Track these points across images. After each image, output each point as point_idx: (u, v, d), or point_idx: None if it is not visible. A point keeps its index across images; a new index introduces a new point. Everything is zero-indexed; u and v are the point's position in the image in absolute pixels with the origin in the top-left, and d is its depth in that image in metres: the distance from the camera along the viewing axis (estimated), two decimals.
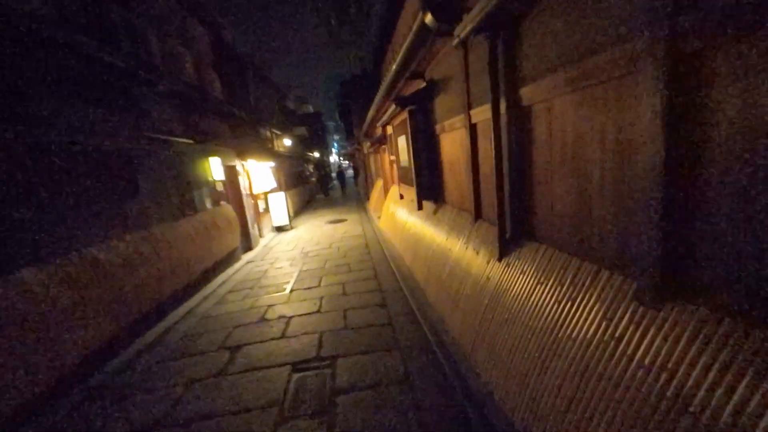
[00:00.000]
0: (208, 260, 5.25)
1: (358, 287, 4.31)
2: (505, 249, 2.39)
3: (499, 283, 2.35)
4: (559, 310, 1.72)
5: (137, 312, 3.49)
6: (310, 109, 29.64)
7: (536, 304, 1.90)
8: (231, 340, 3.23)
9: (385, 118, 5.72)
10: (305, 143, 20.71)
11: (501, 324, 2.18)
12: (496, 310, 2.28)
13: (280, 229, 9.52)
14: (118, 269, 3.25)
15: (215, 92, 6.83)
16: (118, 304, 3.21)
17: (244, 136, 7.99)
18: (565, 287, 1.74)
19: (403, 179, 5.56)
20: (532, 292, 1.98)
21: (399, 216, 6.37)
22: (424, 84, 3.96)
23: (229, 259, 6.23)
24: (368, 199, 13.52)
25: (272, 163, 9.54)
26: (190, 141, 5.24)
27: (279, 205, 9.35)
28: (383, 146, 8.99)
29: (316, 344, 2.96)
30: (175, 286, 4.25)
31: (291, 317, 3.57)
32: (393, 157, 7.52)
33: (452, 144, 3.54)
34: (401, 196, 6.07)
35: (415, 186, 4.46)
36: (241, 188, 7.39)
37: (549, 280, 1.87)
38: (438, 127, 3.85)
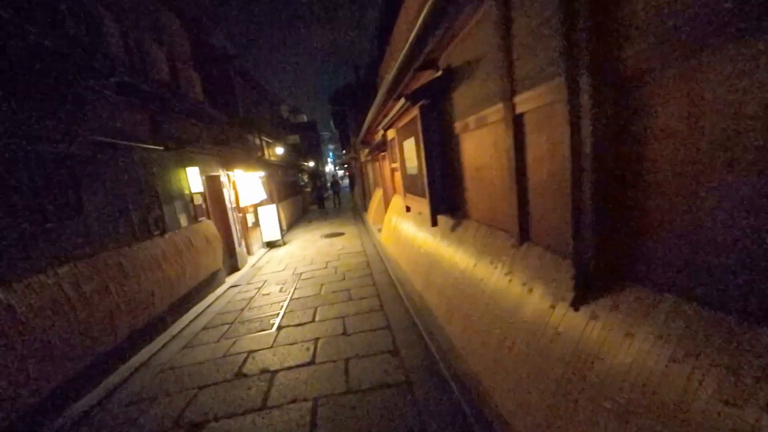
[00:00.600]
0: (180, 288, 4.41)
1: (361, 323, 3.50)
2: (585, 292, 1.61)
3: (580, 345, 1.57)
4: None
5: (66, 372, 2.64)
6: (305, 119, 29.09)
7: (665, 394, 1.12)
8: (192, 411, 2.39)
9: (387, 119, 5.00)
10: (299, 152, 20.00)
11: (594, 412, 1.39)
12: (580, 388, 1.50)
13: (271, 245, 8.68)
14: (38, 317, 2.41)
15: (195, 95, 6.08)
16: (36, 364, 2.36)
17: (229, 144, 7.22)
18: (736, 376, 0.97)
19: (411, 189, 4.81)
20: (653, 373, 1.20)
21: (405, 231, 5.59)
22: (439, 73, 3.24)
23: (210, 283, 5.38)
24: (366, 209, 12.76)
25: (262, 173, 8.76)
26: (160, 147, 4.46)
27: (270, 219, 8.54)
28: (383, 153, 8.28)
29: (308, 421, 2.13)
30: (132, 325, 3.40)
31: (276, 372, 2.74)
32: (395, 165, 6.79)
33: (479, 144, 2.80)
34: (407, 209, 5.31)
35: (427, 197, 3.70)
36: (226, 201, 6.59)
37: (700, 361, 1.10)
38: (458, 126, 3.12)
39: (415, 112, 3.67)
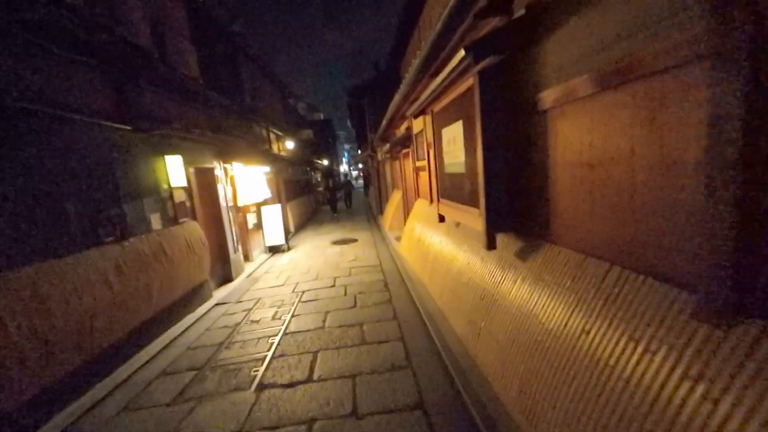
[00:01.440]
0: (142, 310, 3.37)
1: (379, 390, 2.35)
2: None
3: None
4: None
5: None
6: (321, 117, 28.29)
7: None
8: None
9: (420, 102, 3.84)
10: (313, 148, 19.08)
11: None
12: None
13: (274, 251, 7.64)
14: None
15: (188, 70, 5.09)
16: None
17: (230, 133, 6.23)
18: None
19: (450, 193, 3.64)
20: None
21: (435, 246, 4.42)
22: (522, 12, 2.07)
23: (191, 299, 4.35)
24: (381, 213, 11.63)
25: (267, 169, 7.74)
26: (125, 127, 3.44)
27: (274, 221, 7.51)
28: (405, 150, 7.13)
29: None
30: (44, 378, 2.35)
31: None
32: (421, 163, 5.63)
33: (603, 124, 1.61)
34: (441, 218, 4.13)
35: (481, 206, 2.52)
36: (221, 199, 5.58)
37: None
38: (548, 96, 1.94)
39: (468, 81, 2.50)
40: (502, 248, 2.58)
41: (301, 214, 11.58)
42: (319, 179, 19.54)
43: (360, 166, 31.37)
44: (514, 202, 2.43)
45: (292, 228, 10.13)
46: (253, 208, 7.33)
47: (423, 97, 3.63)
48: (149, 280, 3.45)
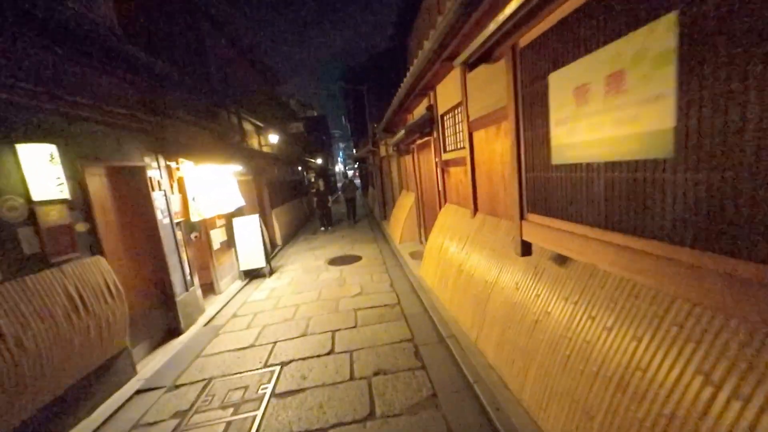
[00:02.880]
0: None
1: None
2: None
3: None
4: None
5: None
6: (315, 114, 26.38)
7: None
8: None
9: (496, 25, 2.02)
10: (305, 145, 17.18)
11: None
12: None
13: (251, 276, 5.80)
14: None
15: (95, 14, 3.24)
16: None
17: (179, 117, 4.37)
18: None
19: (545, 206, 1.84)
20: None
21: (506, 291, 2.59)
22: None
23: (85, 392, 2.50)
24: (386, 218, 9.81)
25: (240, 168, 5.88)
26: None
27: (250, 237, 5.66)
28: (423, 139, 5.32)
29: None
30: None
31: None
32: (453, 155, 3.85)
33: None
34: (525, 248, 2.30)
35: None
36: (159, 213, 3.72)
37: None
38: None
39: None
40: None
41: (291, 222, 9.72)
42: (313, 180, 17.66)
43: (356, 165, 29.49)
44: None
45: (279, 240, 8.28)
46: (222, 222, 5.47)
47: (501, 18, 1.81)
48: None
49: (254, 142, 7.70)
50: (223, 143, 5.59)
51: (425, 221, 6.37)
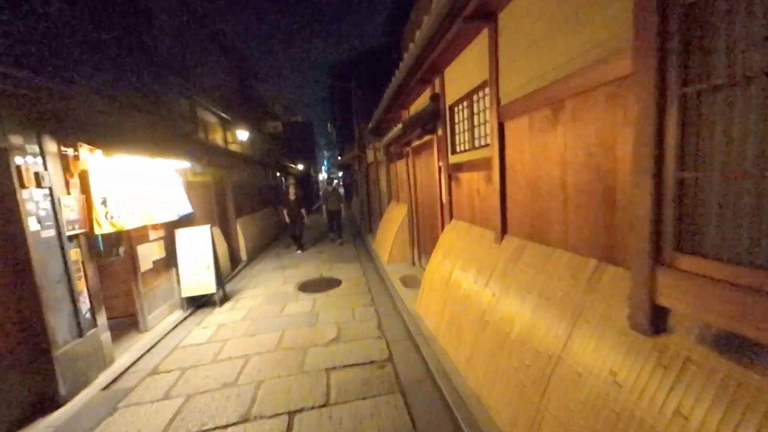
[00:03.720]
0: None
1: None
2: None
3: None
4: None
5: None
6: (299, 119, 25.21)
7: None
8: None
9: None
10: (285, 148, 15.92)
11: None
12: None
13: (196, 304, 4.49)
14: None
15: None
16: None
17: (85, 82, 3.14)
18: None
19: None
20: None
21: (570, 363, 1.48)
22: None
23: None
24: (371, 231, 8.67)
25: (190, 165, 4.65)
26: None
27: (198, 255, 4.39)
28: (423, 138, 4.30)
29: None
30: None
31: None
32: (469, 156, 2.82)
33: None
34: (660, 319, 1.25)
35: None
36: (32, 221, 2.46)
37: None
38: None
39: None
40: None
41: (260, 234, 8.41)
42: (293, 186, 16.34)
43: (340, 174, 28.29)
44: None
45: (244, 255, 6.97)
46: (158, 234, 4.19)
47: None
48: None
49: (217, 137, 6.47)
50: (166, 132, 4.36)
51: (420, 239, 5.29)
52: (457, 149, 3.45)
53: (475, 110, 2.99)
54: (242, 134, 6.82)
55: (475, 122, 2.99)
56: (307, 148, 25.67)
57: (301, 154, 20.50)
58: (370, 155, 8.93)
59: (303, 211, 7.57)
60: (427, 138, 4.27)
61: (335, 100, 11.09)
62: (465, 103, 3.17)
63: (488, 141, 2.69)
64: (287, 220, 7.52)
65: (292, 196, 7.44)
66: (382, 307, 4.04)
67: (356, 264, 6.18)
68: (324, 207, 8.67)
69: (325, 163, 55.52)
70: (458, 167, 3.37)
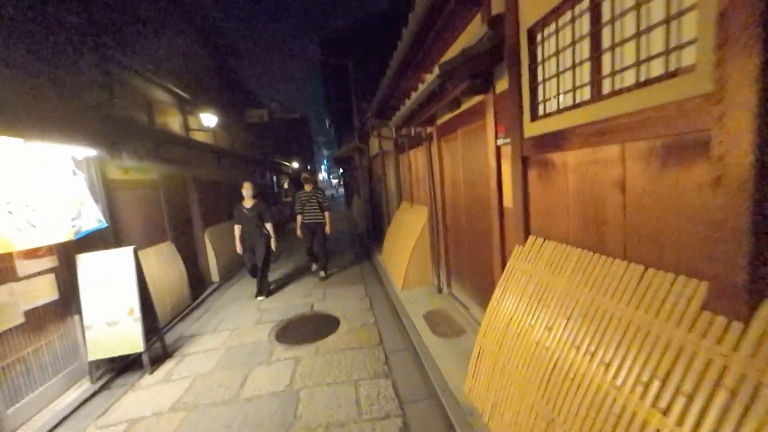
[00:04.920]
0: None
1: None
2: None
3: None
4: None
5: None
6: (297, 116, 23.62)
7: None
8: None
9: None
10: (280, 147, 14.34)
11: None
12: None
13: (116, 371, 2.91)
14: None
15: None
16: None
17: None
18: None
19: None
20: None
21: None
22: None
23: None
24: (375, 237, 7.06)
25: (94, 153, 3.05)
26: None
27: (113, 292, 2.81)
28: (473, 101, 2.71)
29: None
30: None
31: None
32: (590, 113, 1.22)
33: None
34: None
35: None
36: None
37: None
38: None
39: None
40: None
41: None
42: (287, 187, 14.79)
43: (341, 171, 26.61)
44: None
45: (215, 275, 5.41)
46: (41, 265, 2.60)
47: None
48: None
49: (172, 121, 4.88)
50: (60, 102, 2.77)
51: (450, 257, 3.72)
52: (548, 109, 1.86)
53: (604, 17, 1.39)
54: (209, 119, 5.23)
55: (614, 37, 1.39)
56: (304, 145, 24.10)
57: (297, 151, 18.95)
58: (373, 146, 7.34)
59: (268, 228, 4.40)
60: (470, 103, 2.68)
61: (329, 82, 9.49)
62: (573, 12, 1.57)
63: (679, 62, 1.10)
64: (238, 247, 4.41)
65: (248, 206, 4.32)
66: (404, 376, 2.47)
67: (359, 288, 4.60)
68: (298, 220, 5.02)
69: (325, 162, 53.87)
70: (545, 144, 1.78)
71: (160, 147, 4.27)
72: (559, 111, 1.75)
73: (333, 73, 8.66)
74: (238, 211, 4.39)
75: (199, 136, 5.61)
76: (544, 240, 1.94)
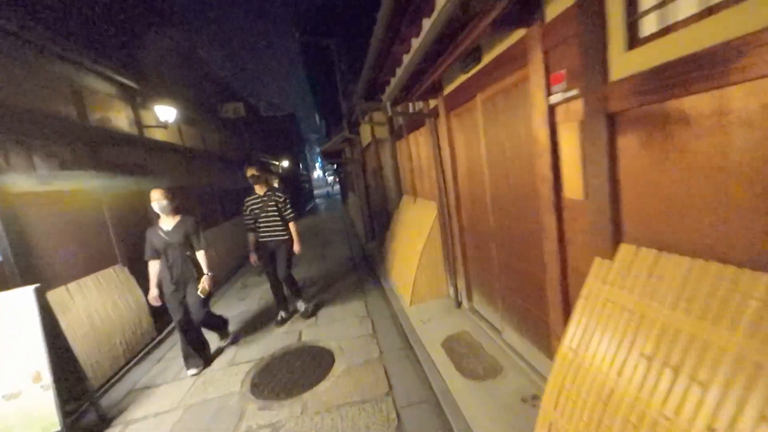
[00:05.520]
0: None
1: None
2: None
3: None
4: None
5: None
6: (286, 112, 22.58)
7: None
8: None
9: None
10: (266, 141, 13.41)
11: None
12: None
13: None
14: None
15: None
16: None
17: None
18: None
19: None
20: None
21: None
22: None
23: None
24: (374, 238, 6.22)
25: None
26: None
27: (8, 352, 1.99)
28: (523, 31, 1.87)
29: None
30: None
31: None
32: None
33: None
34: None
35: None
36: None
37: None
38: None
39: None
40: None
41: (220, 258, 6.01)
42: (276, 186, 13.87)
43: (335, 168, 25.62)
44: None
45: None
46: None
47: None
48: None
49: (117, 117, 4.00)
50: None
51: (469, 264, 2.91)
52: (667, 20, 1.03)
53: None
54: (166, 113, 4.35)
55: None
56: (294, 142, 23.11)
57: (286, 150, 18.02)
58: (365, 134, 6.49)
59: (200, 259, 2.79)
60: (500, 48, 1.85)
61: (314, 71, 8.57)
62: None
63: None
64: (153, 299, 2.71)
65: (164, 224, 2.69)
66: None
67: (358, 304, 3.80)
68: (250, 239, 3.46)
69: (319, 160, 52.65)
70: (680, 77, 0.96)
71: (99, 149, 3.42)
72: (699, 16, 0.92)
73: (316, 61, 7.77)
74: (151, 236, 2.63)
75: (158, 135, 4.75)
76: (657, 251, 1.13)
